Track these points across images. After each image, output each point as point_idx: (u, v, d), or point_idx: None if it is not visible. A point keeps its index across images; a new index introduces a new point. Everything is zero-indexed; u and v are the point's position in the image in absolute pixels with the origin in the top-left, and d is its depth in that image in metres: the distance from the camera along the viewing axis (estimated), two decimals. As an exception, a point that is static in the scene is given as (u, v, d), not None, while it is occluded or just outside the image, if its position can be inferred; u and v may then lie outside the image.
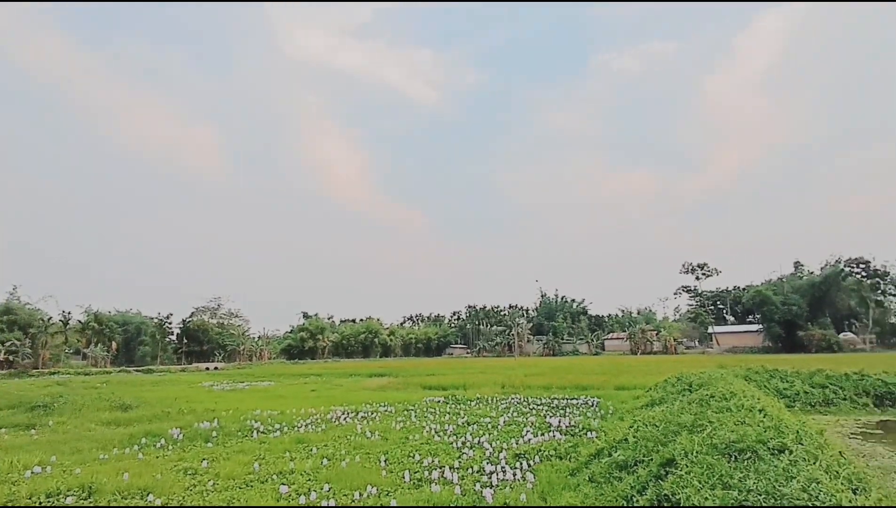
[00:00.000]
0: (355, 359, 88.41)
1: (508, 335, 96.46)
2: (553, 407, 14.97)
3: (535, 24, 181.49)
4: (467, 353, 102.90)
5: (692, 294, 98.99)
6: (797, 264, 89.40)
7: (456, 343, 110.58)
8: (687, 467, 4.58)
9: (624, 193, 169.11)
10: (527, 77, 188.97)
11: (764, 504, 3.46)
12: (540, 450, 8.66)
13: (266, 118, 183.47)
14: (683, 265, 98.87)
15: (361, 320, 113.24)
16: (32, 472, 7.76)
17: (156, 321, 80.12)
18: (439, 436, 10.50)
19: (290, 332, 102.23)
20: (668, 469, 4.94)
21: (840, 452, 5.33)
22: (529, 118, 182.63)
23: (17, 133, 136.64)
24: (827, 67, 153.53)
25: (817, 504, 3.33)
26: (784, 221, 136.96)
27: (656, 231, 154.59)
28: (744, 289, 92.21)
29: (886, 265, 73.69)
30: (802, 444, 4.79)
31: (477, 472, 7.50)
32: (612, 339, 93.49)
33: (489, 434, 10.48)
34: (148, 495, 6.69)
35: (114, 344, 71.23)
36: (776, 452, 4.50)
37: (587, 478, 6.41)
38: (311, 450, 9.41)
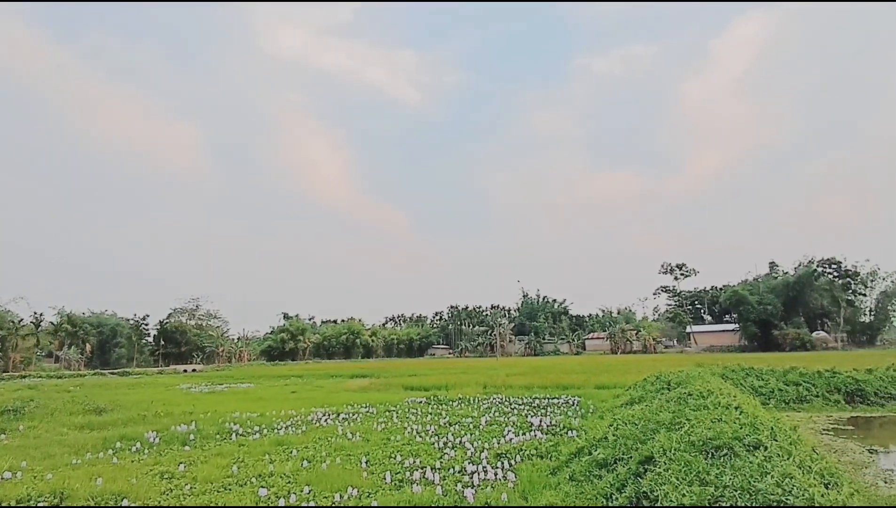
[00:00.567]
0: (337, 360, 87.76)
1: (490, 335, 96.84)
2: (534, 407, 15.05)
3: (518, 24, 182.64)
4: (449, 353, 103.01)
5: (671, 294, 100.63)
6: (772, 265, 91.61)
7: (438, 344, 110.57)
8: (665, 464, 4.64)
9: (605, 194, 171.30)
10: (510, 78, 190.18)
11: (739, 501, 3.52)
12: (521, 449, 8.69)
13: (247, 117, 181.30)
14: (662, 266, 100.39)
15: (343, 320, 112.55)
16: (2, 478, 7.52)
17: (132, 322, 78.45)
18: (421, 437, 10.47)
19: (271, 333, 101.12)
20: (646, 466, 5.01)
21: (813, 448, 5.47)
22: (512, 118, 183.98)
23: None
24: (801, 71, 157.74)
25: (790, 498, 3.40)
26: (760, 222, 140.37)
27: (636, 232, 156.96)
28: (721, 289, 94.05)
29: (857, 266, 76.00)
30: (777, 440, 4.89)
31: (458, 472, 7.49)
32: (592, 339, 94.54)
33: (471, 434, 10.48)
34: (122, 500, 6.52)
35: (88, 346, 69.46)
36: (751, 448, 4.59)
37: (568, 477, 6.46)
38: (291, 452, 9.29)
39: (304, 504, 6.20)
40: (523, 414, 13.36)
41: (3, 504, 6.38)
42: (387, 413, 14.40)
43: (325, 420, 13.30)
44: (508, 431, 10.49)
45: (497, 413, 13.72)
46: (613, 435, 7.14)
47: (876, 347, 66.97)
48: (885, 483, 7.30)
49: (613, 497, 4.89)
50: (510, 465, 7.83)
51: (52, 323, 69.15)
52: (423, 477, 7.22)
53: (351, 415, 14.24)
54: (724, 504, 3.58)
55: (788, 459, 4.21)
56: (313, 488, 6.89)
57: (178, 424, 12.51)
